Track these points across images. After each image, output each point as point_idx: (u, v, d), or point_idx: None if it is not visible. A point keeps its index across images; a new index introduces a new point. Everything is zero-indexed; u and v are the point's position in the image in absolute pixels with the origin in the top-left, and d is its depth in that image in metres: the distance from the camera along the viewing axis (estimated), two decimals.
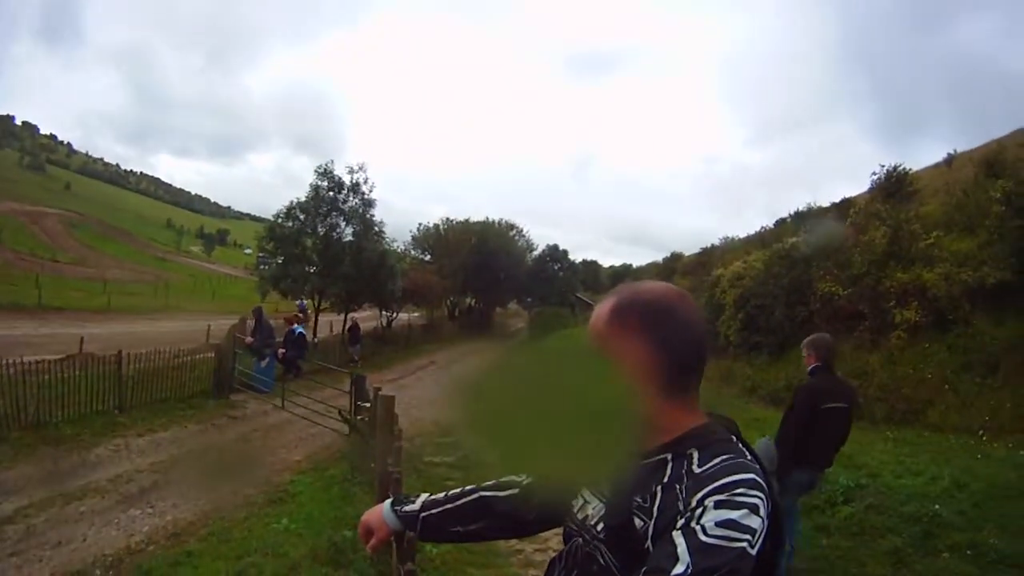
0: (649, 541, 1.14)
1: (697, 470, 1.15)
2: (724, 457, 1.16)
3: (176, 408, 12.57)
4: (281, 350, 15.57)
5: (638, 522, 1.18)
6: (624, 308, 1.26)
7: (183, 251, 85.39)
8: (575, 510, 1.37)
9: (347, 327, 24.02)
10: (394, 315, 31.24)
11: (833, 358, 5.29)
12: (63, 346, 14.22)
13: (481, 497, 1.57)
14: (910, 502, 6.71)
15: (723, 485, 1.09)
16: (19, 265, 36.96)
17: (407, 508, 1.62)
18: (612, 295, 1.30)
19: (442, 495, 1.61)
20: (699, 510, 1.07)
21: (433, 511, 1.60)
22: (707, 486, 1.10)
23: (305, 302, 22.85)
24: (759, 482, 1.11)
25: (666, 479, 1.18)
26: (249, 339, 15.50)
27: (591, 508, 1.33)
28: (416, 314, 36.01)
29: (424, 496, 1.63)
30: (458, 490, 1.61)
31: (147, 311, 28.96)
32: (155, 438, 10.82)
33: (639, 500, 1.19)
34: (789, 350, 14.72)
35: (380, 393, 7.39)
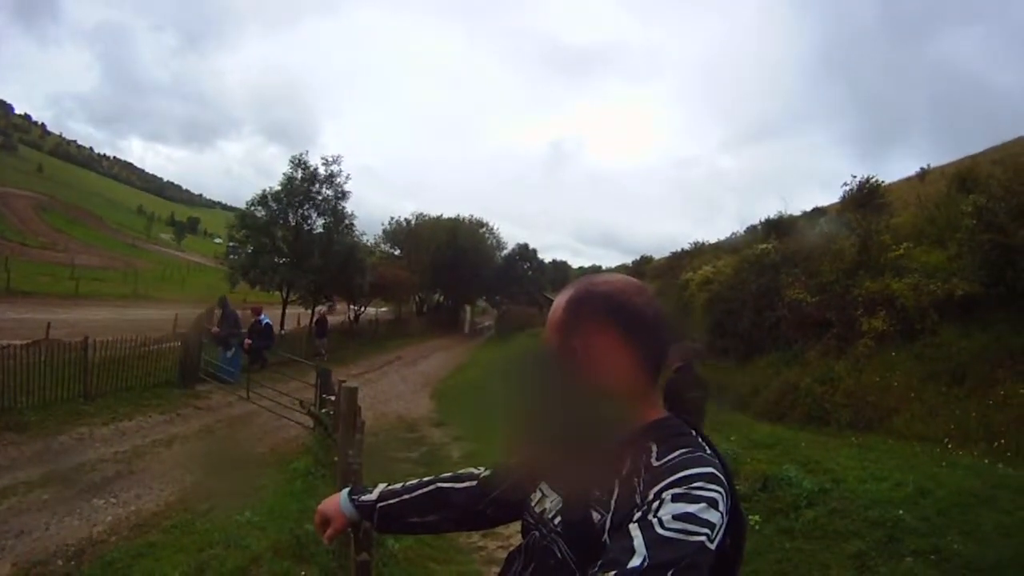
0: (607, 534, 1.13)
1: (655, 463, 1.14)
2: (683, 451, 1.14)
3: (142, 397, 12.57)
4: (247, 341, 15.24)
5: (595, 515, 1.17)
6: (581, 299, 1.26)
7: (153, 238, 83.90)
8: (533, 503, 1.37)
9: (314, 320, 23.85)
10: (362, 309, 30.71)
11: (692, 360, 6.49)
12: (30, 331, 14.28)
13: (438, 488, 1.57)
14: (874, 507, 6.76)
15: (681, 478, 1.08)
16: None
17: (364, 498, 1.60)
18: (569, 287, 1.29)
19: (399, 486, 1.60)
20: (656, 503, 1.06)
21: (390, 501, 1.58)
22: (665, 479, 1.09)
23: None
24: (718, 476, 1.10)
25: (624, 472, 1.17)
26: (215, 329, 15.28)
27: (549, 502, 1.32)
28: (384, 309, 35.70)
29: (382, 486, 1.62)
30: (415, 481, 1.61)
31: (115, 298, 28.68)
32: (120, 427, 10.82)
33: (597, 493, 1.19)
34: (756, 356, 15.02)
35: (343, 385, 7.35)
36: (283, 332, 22.71)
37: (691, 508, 1.04)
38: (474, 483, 1.55)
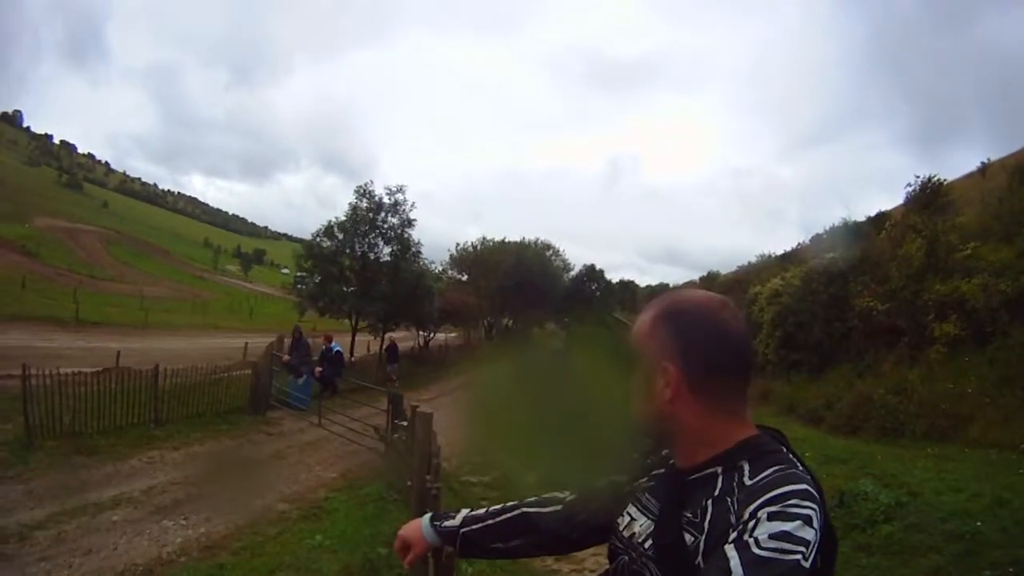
0: (700, 557, 1.18)
1: (748, 482, 1.19)
2: (776, 468, 1.20)
3: (212, 423, 13.34)
4: (318, 368, 15.82)
5: (688, 538, 1.22)
6: (670, 316, 1.31)
7: (220, 270, 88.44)
8: (620, 527, 1.43)
9: (384, 346, 25.36)
10: (431, 335, 31.44)
11: None
12: (99, 359, 15.48)
13: (523, 513, 1.63)
14: (951, 520, 6.82)
15: (776, 496, 1.13)
16: (57, 280, 39.15)
17: (447, 524, 1.68)
18: (654, 304, 1.36)
19: (483, 511, 1.68)
20: (752, 523, 1.10)
21: (474, 527, 1.66)
22: (759, 498, 1.14)
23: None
24: (812, 493, 1.15)
25: (716, 492, 1.23)
26: (286, 357, 16.07)
27: (638, 525, 1.38)
28: (453, 334, 36.45)
29: (464, 512, 1.71)
30: (499, 506, 1.68)
31: (184, 328, 30.28)
32: (190, 451, 11.44)
33: (689, 515, 1.24)
34: (828, 368, 15.08)
35: (418, 410, 7.48)
36: (353, 359, 23.36)
37: (787, 526, 1.09)
38: (559, 507, 1.61)
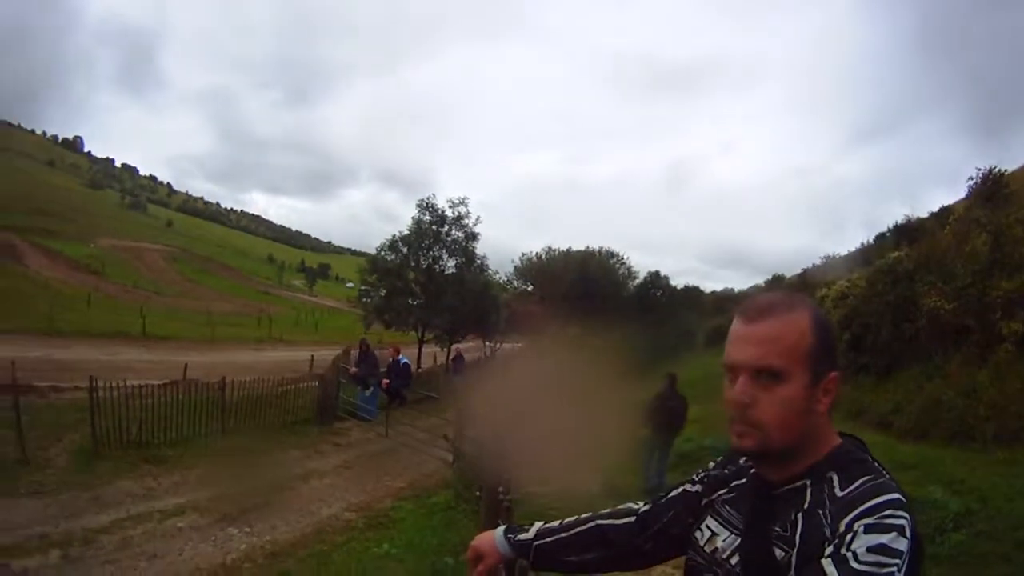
0: (792, 572, 1.18)
1: (840, 493, 1.20)
2: (866, 478, 1.21)
3: (280, 434, 13.66)
4: (385, 380, 16.07)
5: (778, 553, 1.22)
6: (819, 322, 1.30)
7: (285, 284, 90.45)
8: (701, 542, 1.43)
9: (451, 357, 26.19)
10: (498, 346, 32.24)
11: (674, 383, 11.47)
12: (166, 372, 16.00)
13: (597, 526, 1.63)
14: (1022, 527, 6.74)
15: (870, 508, 1.14)
16: (123, 297, 40.98)
17: (521, 537, 1.68)
18: (796, 304, 1.32)
19: (557, 523, 1.68)
20: (848, 536, 1.12)
21: (547, 540, 1.65)
22: (854, 510, 1.15)
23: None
24: (904, 502, 1.16)
25: (807, 505, 1.23)
26: (354, 369, 16.45)
27: (721, 540, 1.38)
28: (519, 344, 36.87)
29: (538, 524, 1.70)
30: (574, 518, 1.68)
31: (251, 341, 31.13)
32: (257, 461, 11.79)
33: (778, 529, 1.24)
34: (896, 370, 14.83)
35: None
36: (420, 370, 23.68)
37: (883, 539, 1.10)
38: (633, 519, 1.61)
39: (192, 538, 7.76)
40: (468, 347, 29.48)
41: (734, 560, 1.31)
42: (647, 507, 1.61)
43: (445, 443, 12.52)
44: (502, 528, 1.72)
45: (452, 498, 9.61)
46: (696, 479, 1.57)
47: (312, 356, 20.81)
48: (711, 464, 1.57)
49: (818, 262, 31.64)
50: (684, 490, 1.57)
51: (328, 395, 15.59)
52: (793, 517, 1.22)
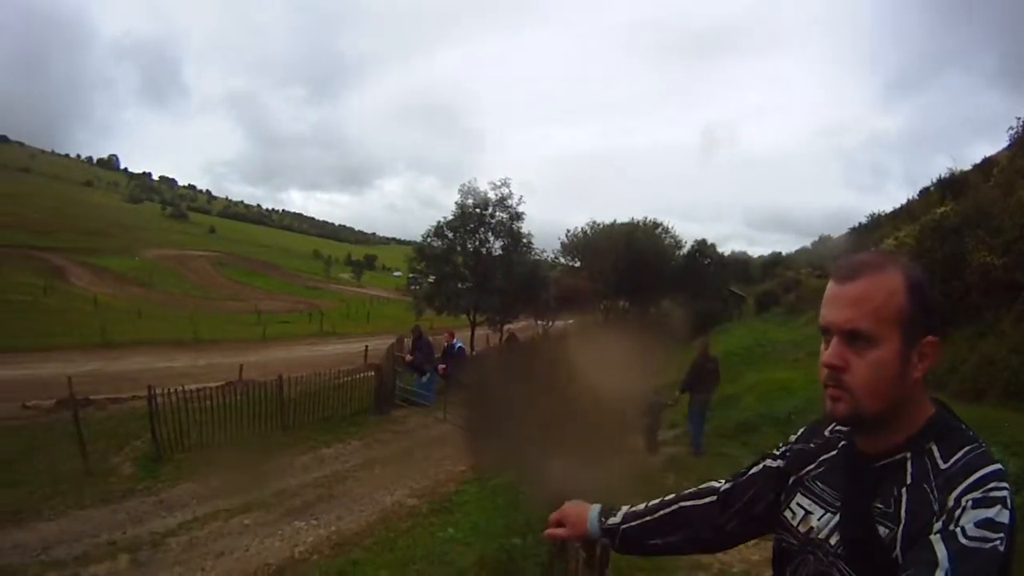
0: (898, 549, 1.16)
1: (943, 466, 1.19)
2: (967, 449, 1.20)
3: (339, 426, 13.96)
4: (441, 365, 16.27)
5: (882, 530, 1.20)
6: (915, 284, 1.26)
7: (333, 278, 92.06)
8: (794, 522, 1.40)
9: (504, 339, 27.01)
10: (550, 324, 33.07)
11: (707, 348, 12.24)
12: (222, 374, 16.41)
13: (680, 508, 1.65)
14: None
15: (976, 481, 1.13)
16: (172, 305, 42.46)
17: (610, 521, 1.70)
18: (888, 263, 1.28)
19: (642, 506, 1.70)
20: (957, 511, 1.10)
21: (632, 523, 1.68)
22: (961, 483, 1.13)
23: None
24: (1004, 472, 1.15)
25: (909, 480, 1.21)
26: (409, 356, 16.85)
27: (816, 519, 1.35)
28: (571, 321, 37.31)
29: (625, 508, 1.72)
30: (657, 501, 1.70)
31: (303, 337, 31.91)
32: (319, 454, 12.01)
33: (880, 506, 1.22)
34: (949, 329, 14.30)
35: None
36: (475, 353, 23.96)
37: (989, 513, 1.09)
38: (714, 498, 1.62)
39: (258, 534, 8.02)
40: (520, 327, 30.02)
41: (833, 540, 1.29)
42: (728, 485, 1.61)
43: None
44: (597, 509, 1.73)
45: (515, 478, 9.72)
46: (777, 453, 1.56)
47: (366, 347, 21.12)
48: (791, 437, 1.55)
49: (864, 221, 31.12)
50: (765, 466, 1.56)
51: (384, 384, 15.92)
52: (896, 492, 1.20)
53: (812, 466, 1.42)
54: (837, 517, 1.30)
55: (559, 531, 1.73)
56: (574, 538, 1.77)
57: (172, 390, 11.49)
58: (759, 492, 1.52)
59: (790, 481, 1.46)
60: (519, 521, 7.40)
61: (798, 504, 1.40)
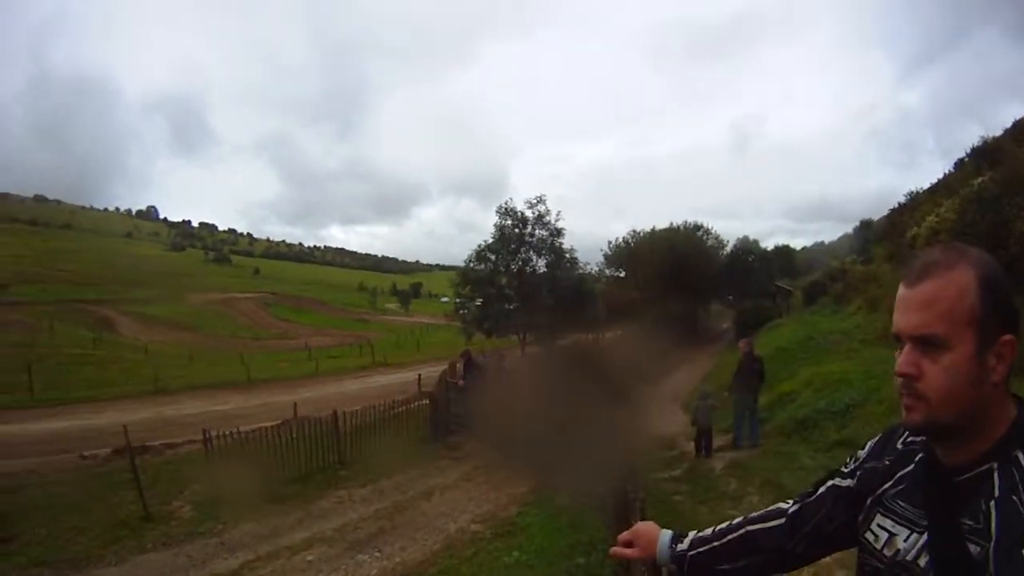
0: (992, 567, 1.12)
1: None
2: None
3: (396, 456, 13.89)
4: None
5: (973, 548, 1.15)
6: (988, 280, 1.20)
7: (380, 310, 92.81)
8: (877, 545, 1.34)
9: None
10: (600, 337, 32.74)
11: (751, 348, 13.11)
12: (277, 413, 16.67)
13: (747, 532, 1.62)
14: None
15: None
16: (222, 348, 43.28)
17: (679, 548, 1.68)
18: (959, 260, 1.22)
19: (710, 531, 1.68)
20: None
21: (701, 550, 1.65)
22: None
23: None
24: None
25: (997, 492, 1.16)
26: (461, 381, 16.46)
27: (902, 540, 1.29)
28: (620, 332, 37.37)
29: (692, 534, 1.70)
30: (725, 524, 1.68)
31: (355, 370, 32.15)
32: (378, 486, 12.07)
33: (969, 522, 1.17)
34: None
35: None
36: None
37: None
38: (782, 521, 1.59)
39: (322, 569, 8.09)
40: (570, 343, 29.89)
41: (923, 561, 1.23)
42: (796, 507, 1.58)
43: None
44: (670, 533, 1.71)
45: (577, 498, 9.67)
46: (846, 471, 1.52)
47: (419, 375, 21.22)
48: (860, 453, 1.51)
49: (903, 200, 30.81)
50: (834, 484, 1.52)
51: (439, 411, 15.96)
52: (984, 507, 1.15)
53: (889, 484, 1.37)
54: (924, 537, 1.25)
55: (628, 551, 1.72)
56: (642, 560, 1.74)
57: (227, 432, 11.78)
58: (829, 513, 1.49)
59: (868, 502, 1.41)
60: (583, 541, 7.34)
61: (879, 526, 1.35)
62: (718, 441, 12.33)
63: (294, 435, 12.90)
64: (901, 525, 1.29)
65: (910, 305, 1.21)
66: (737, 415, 12.35)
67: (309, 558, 8.39)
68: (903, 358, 1.21)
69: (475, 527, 9.54)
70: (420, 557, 8.44)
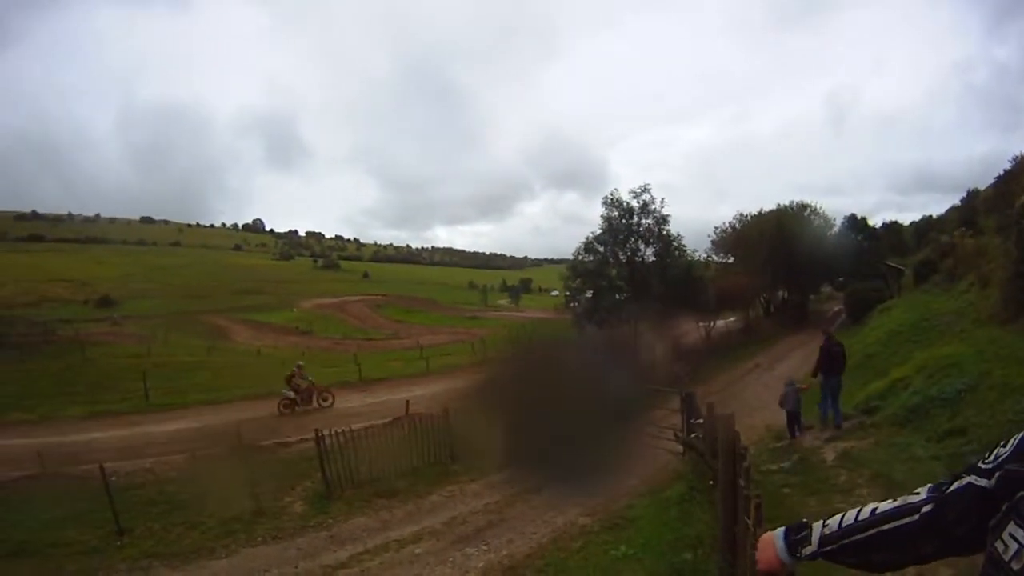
0: None
1: None
2: None
3: (507, 450, 13.35)
4: None
5: None
6: None
7: (491, 306, 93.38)
8: (1005, 556, 1.27)
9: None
10: (712, 324, 33.25)
11: (831, 336, 13.80)
12: (390, 411, 17.21)
13: (879, 532, 1.57)
14: None
15: None
16: (335, 349, 44.33)
17: (806, 551, 1.67)
18: None
19: (836, 525, 1.65)
20: None
21: (830, 548, 1.64)
22: None
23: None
24: None
25: None
26: None
27: None
28: (732, 319, 36.74)
29: (819, 530, 1.68)
30: (852, 520, 1.63)
31: (467, 367, 32.05)
32: (489, 481, 12.26)
33: None
34: None
35: (717, 413, 7.78)
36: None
37: None
38: (915, 518, 1.53)
39: (429, 562, 8.34)
40: (684, 331, 30.15)
41: None
42: (929, 507, 1.50)
43: (673, 435, 12.49)
44: (782, 533, 1.72)
45: (686, 490, 9.53)
46: (984, 468, 1.42)
47: None
48: (1000, 450, 1.41)
49: (1009, 166, 28.81)
50: (970, 484, 1.43)
51: None
52: None
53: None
54: None
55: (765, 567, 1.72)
56: (769, 571, 1.72)
57: (339, 430, 12.24)
58: (962, 514, 1.41)
59: (1004, 507, 1.32)
60: (690, 535, 7.22)
61: (1011, 536, 1.26)
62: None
63: (406, 432, 13.36)
64: None
65: None
66: (822, 398, 12.85)
67: (417, 551, 8.67)
68: None
69: (584, 520, 9.57)
70: (527, 550, 8.57)
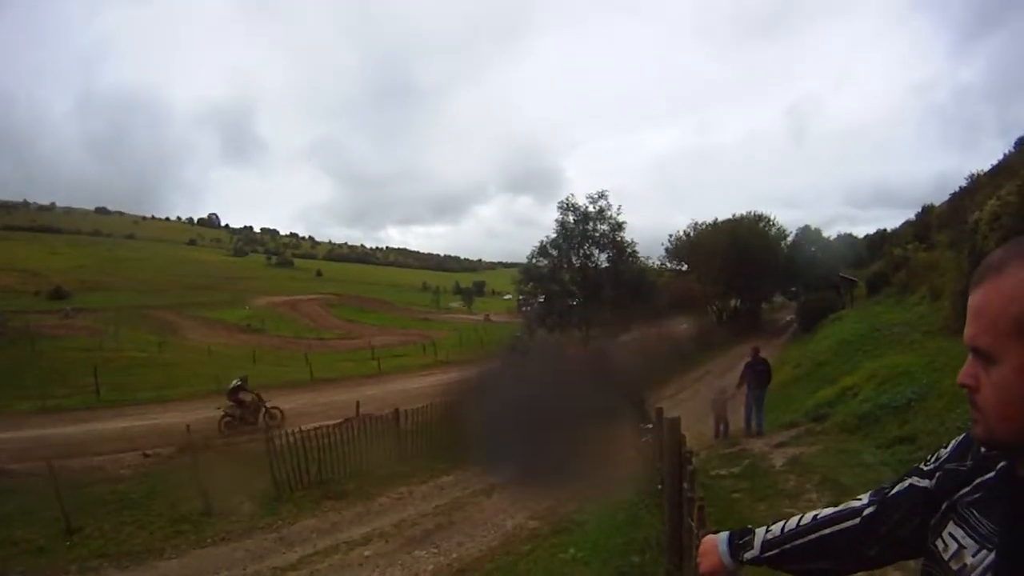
0: None
1: None
2: None
3: (457, 453, 13.72)
4: None
5: None
6: None
7: (443, 308, 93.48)
8: (944, 555, 1.27)
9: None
10: (664, 331, 32.93)
11: (757, 352, 14.97)
12: (340, 411, 17.01)
13: (820, 537, 1.57)
14: None
15: None
16: (286, 348, 44.14)
17: (748, 555, 1.66)
18: (1010, 260, 1.11)
19: (778, 530, 1.64)
20: None
21: (771, 553, 1.63)
22: None
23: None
24: None
25: None
26: None
27: (971, 555, 1.21)
28: (684, 326, 37.32)
29: (761, 535, 1.67)
30: (795, 525, 1.63)
31: (417, 369, 32.50)
32: (438, 483, 12.35)
33: None
34: None
35: (664, 416, 7.78)
36: None
37: None
38: (857, 521, 1.53)
39: (379, 564, 8.30)
40: (635, 337, 30.01)
41: None
42: (871, 509, 1.50)
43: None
44: (725, 535, 1.71)
45: (635, 494, 9.68)
46: (925, 470, 1.43)
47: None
48: (941, 451, 1.42)
49: (964, 184, 30.05)
50: (911, 485, 1.44)
51: None
52: None
53: (967, 490, 1.29)
54: (993, 555, 1.17)
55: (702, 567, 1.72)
56: (711, 574, 1.70)
57: (289, 431, 12.19)
58: (905, 516, 1.41)
59: (943, 506, 1.33)
60: (638, 538, 7.34)
61: (950, 535, 1.26)
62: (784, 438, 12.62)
63: (356, 433, 13.25)
64: (972, 539, 1.22)
65: (968, 314, 1.14)
66: (746, 407, 14.50)
67: (366, 553, 8.64)
68: (964, 368, 1.16)
69: (533, 523, 9.66)
70: (477, 553, 8.59)
